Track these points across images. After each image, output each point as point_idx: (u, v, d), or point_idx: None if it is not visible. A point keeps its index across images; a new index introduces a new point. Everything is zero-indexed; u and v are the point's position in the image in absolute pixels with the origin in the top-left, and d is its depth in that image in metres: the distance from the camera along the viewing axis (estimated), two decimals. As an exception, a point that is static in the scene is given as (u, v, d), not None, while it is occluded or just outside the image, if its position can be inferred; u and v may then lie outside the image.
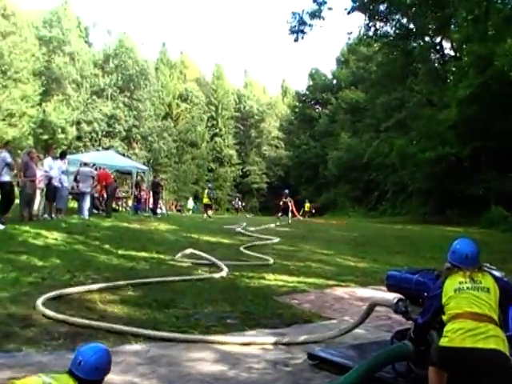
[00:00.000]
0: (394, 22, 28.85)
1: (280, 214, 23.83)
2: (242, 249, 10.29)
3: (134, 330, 4.37)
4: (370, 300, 4.55)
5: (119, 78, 50.03)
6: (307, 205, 37.88)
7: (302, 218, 29.82)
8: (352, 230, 17.54)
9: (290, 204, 25.00)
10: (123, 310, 5.22)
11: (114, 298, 5.68)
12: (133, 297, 5.80)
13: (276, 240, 12.49)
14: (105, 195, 16.71)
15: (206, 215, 23.82)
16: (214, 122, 60.74)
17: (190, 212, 40.63)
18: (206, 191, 25.88)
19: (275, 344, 4.39)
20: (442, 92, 27.03)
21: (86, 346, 2.57)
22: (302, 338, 4.48)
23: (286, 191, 30.57)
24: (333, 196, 47.23)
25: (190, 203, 44.71)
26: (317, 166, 50.99)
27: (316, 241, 13.14)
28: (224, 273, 7.39)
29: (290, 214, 24.43)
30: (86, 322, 4.54)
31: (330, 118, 52.05)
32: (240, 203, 47.17)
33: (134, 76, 50.44)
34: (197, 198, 50.62)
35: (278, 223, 20.23)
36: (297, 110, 59.61)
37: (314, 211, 40.74)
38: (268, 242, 12.15)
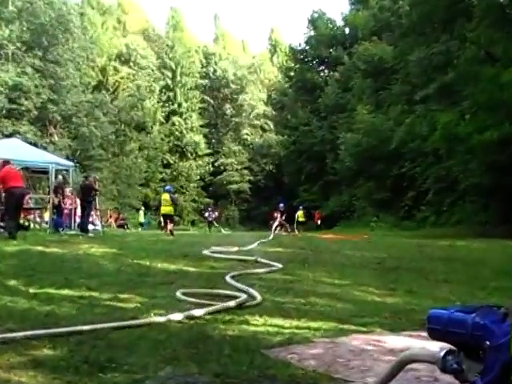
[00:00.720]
0: None
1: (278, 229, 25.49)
2: (227, 278, 10.26)
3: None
4: (403, 352, 4.53)
5: (25, 29, 49.77)
6: (300, 213, 37.79)
7: (298, 234, 30.18)
8: (376, 249, 17.66)
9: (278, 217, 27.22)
10: (36, 378, 5.11)
11: (21, 359, 5.56)
12: (51, 357, 5.69)
13: (279, 266, 12.44)
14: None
15: (166, 231, 24.31)
16: (171, 94, 60.89)
17: (140, 228, 40.66)
18: (168, 196, 25.24)
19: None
20: (509, 41, 27.12)
21: None
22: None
23: (281, 205, 31.94)
24: (347, 199, 47.59)
25: (142, 215, 45.01)
26: (323, 155, 51.32)
27: (323, 265, 13.17)
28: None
29: (273, 229, 26.16)
30: None
31: (341, 84, 52.43)
32: (214, 214, 47.51)
33: (48, 26, 50.25)
34: (147, 208, 50.64)
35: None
36: (292, 73, 59.95)
37: (319, 222, 40.95)
38: (260, 270, 12.10)
